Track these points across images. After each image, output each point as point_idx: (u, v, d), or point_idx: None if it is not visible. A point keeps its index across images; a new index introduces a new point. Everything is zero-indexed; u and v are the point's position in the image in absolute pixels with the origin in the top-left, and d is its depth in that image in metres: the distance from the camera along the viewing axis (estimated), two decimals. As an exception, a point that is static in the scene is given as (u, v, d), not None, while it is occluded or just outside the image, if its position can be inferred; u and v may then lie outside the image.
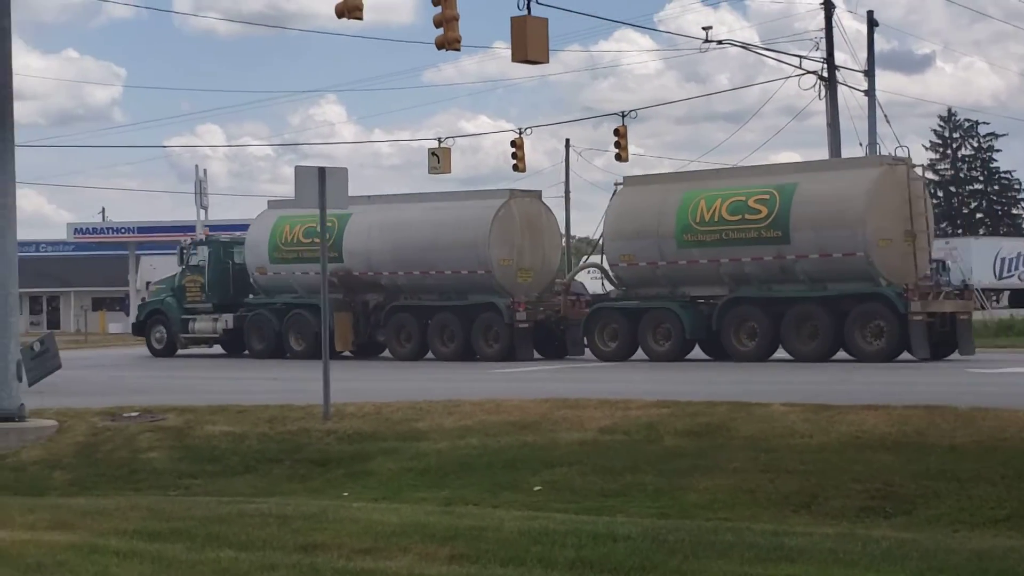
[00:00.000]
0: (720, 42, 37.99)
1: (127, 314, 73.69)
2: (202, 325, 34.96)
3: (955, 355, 26.91)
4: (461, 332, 30.88)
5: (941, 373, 23.14)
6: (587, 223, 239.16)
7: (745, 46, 41.65)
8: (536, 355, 30.92)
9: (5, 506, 11.50)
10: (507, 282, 30.78)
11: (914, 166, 27.81)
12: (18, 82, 17.00)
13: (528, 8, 22.74)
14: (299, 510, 10.93)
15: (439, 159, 37.94)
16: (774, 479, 12.40)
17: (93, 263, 79.12)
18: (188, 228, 68.00)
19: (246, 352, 34.78)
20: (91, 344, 54.73)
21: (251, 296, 34.73)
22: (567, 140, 69.89)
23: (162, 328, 35.87)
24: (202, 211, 66.23)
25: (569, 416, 15.80)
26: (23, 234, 18.77)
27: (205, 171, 67.38)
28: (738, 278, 27.82)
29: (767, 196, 27.27)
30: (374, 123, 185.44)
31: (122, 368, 32.18)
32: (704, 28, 36.83)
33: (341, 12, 21.25)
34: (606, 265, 31.05)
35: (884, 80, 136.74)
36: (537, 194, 33.20)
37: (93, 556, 8.81)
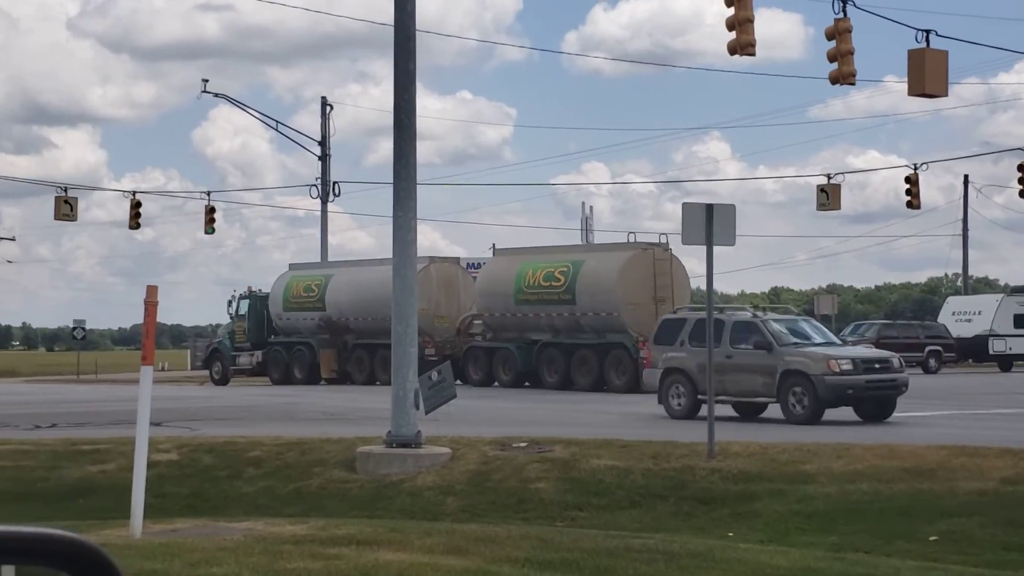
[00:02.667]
0: None
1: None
2: (243, 360, 45.41)
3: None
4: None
5: None
6: (987, 263, 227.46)
7: None
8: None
9: (404, 529, 11.92)
10: (426, 326, 38.04)
11: (665, 250, 35.99)
12: (418, 123, 17.79)
13: (927, 40, 21.95)
14: (685, 547, 10.83)
15: (828, 196, 37.29)
16: None
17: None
18: (573, 264, 69.48)
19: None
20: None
21: (273, 337, 44.90)
22: (965, 176, 67.32)
23: (219, 364, 46.08)
24: (587, 248, 67.32)
25: (968, 464, 15.06)
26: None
27: (591, 208, 68.71)
28: (552, 328, 37.33)
29: (566, 269, 36.95)
30: (758, 160, 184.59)
31: (509, 399, 33.01)
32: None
33: (734, 49, 21.13)
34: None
35: None
36: (455, 260, 44.91)
37: (487, 582, 8.99)
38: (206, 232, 51.65)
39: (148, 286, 11.70)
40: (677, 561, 9.99)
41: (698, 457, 16.66)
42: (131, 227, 49.08)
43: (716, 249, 17.40)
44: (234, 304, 46.50)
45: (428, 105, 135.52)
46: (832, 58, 21.98)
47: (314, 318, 42.90)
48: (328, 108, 58.53)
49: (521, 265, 38.36)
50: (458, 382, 35.13)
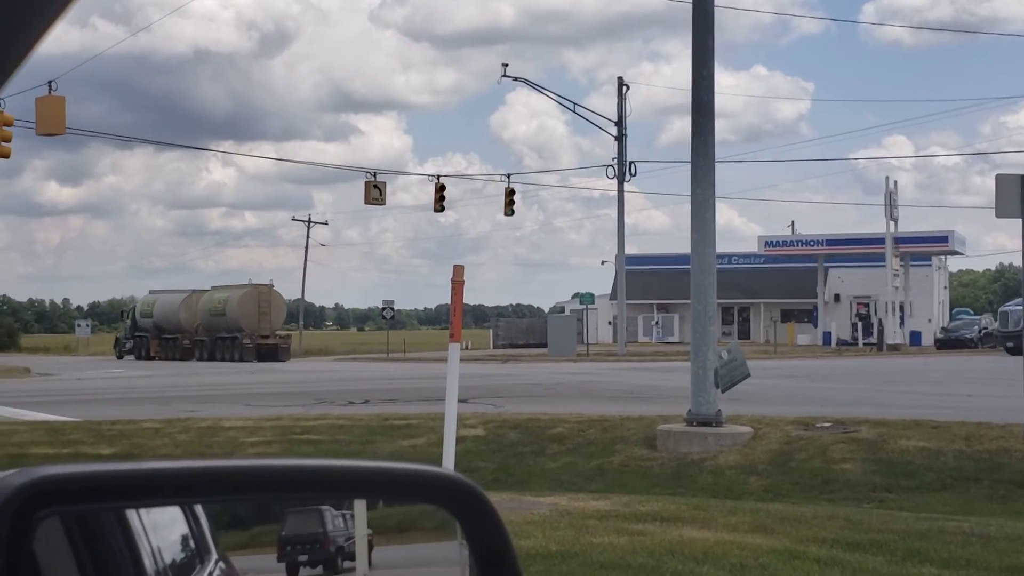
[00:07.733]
0: None
1: (815, 326, 74.32)
2: (127, 346, 74.81)
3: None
4: (174, 350, 70.36)
5: None
6: None
7: None
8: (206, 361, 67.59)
9: (707, 507, 11.89)
10: (189, 328, 69.69)
11: (268, 287, 69.44)
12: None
13: None
14: (1002, 531, 10.42)
15: None
16: None
17: (782, 275, 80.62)
18: (876, 240, 67.40)
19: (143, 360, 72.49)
20: (779, 355, 55.77)
21: (136, 332, 74.49)
22: None
23: (118, 348, 75.44)
24: (891, 223, 65.25)
25: None
26: (716, 247, 19.49)
27: (895, 183, 66.53)
28: (221, 329, 67.00)
29: (225, 298, 67.73)
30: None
31: (813, 379, 32.48)
32: None
33: (1047, 11, 20.10)
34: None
35: None
36: (203, 291, 72.06)
37: (794, 562, 8.86)
38: (505, 214, 52.59)
39: (454, 265, 11.90)
40: (994, 545, 9.63)
41: (1014, 439, 16.01)
42: (436, 210, 50.40)
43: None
44: (127, 311, 77.99)
45: (722, 82, 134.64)
46: None
47: (149, 323, 72.76)
48: (624, 88, 58.67)
49: (210, 295, 69.26)
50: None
